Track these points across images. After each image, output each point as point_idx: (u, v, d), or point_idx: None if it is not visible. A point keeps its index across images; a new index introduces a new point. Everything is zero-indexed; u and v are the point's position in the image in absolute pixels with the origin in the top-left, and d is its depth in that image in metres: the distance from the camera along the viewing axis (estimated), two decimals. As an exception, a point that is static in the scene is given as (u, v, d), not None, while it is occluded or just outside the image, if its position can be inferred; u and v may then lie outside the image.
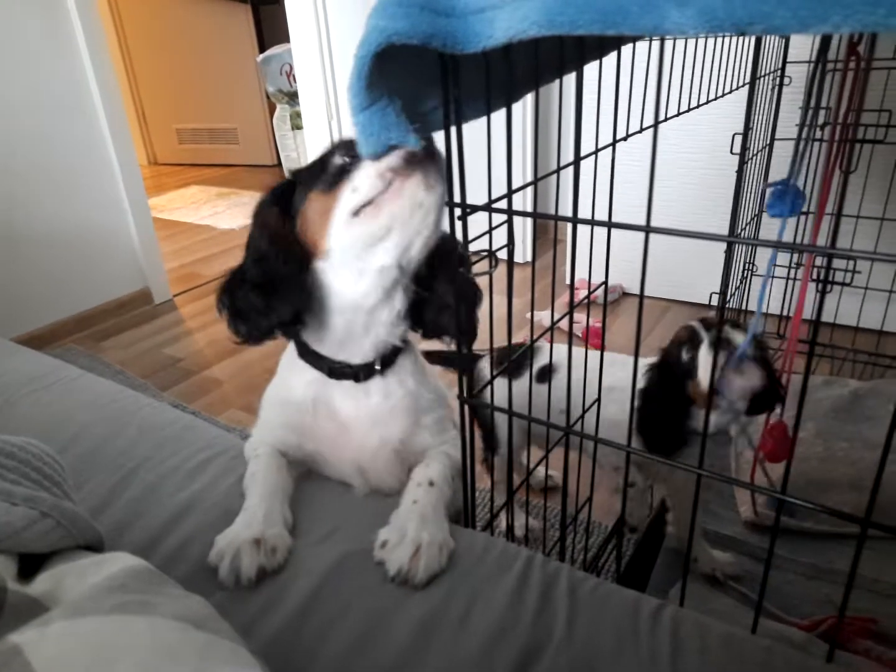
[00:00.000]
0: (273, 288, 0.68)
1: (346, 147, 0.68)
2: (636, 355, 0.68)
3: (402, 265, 0.68)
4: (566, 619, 0.57)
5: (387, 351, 0.75)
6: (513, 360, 0.76)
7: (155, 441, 0.83)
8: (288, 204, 0.71)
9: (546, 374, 0.94)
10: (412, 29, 0.47)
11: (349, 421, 0.76)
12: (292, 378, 0.78)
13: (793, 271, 1.77)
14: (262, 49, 4.38)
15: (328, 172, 0.68)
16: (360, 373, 0.74)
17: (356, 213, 0.65)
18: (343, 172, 0.67)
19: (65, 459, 0.76)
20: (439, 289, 0.73)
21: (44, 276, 2.30)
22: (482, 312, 0.75)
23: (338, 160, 0.68)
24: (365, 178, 0.64)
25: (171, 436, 0.84)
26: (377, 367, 0.75)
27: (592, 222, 0.62)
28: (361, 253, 0.67)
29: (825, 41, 0.82)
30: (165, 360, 2.19)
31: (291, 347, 0.78)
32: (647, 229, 0.54)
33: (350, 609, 0.60)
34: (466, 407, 0.73)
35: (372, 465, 0.77)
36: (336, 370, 0.74)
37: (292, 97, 3.54)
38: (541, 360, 1.06)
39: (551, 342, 0.79)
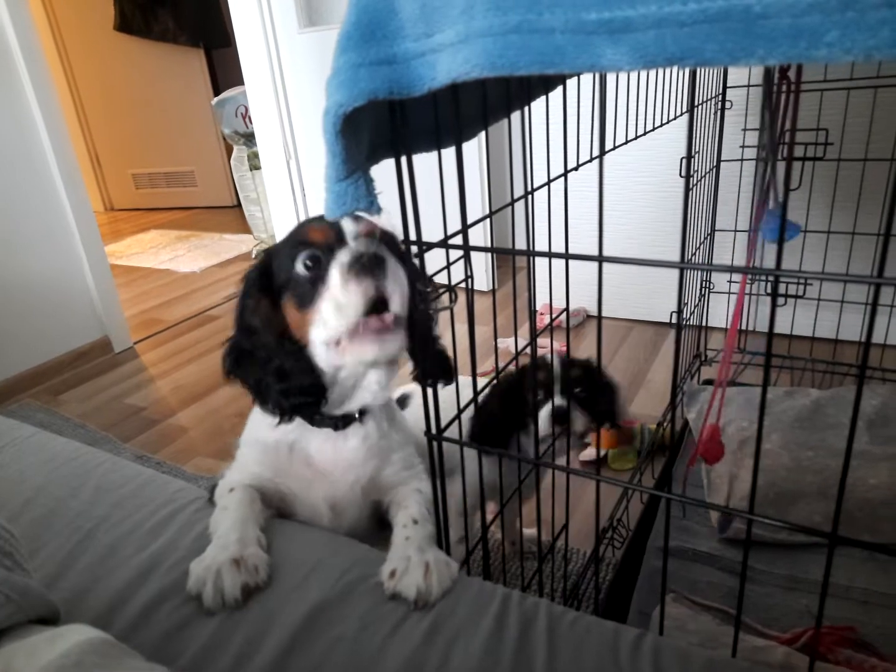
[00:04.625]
0: (289, 374, 0.70)
1: (316, 243, 0.69)
2: (599, 377, 0.69)
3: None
4: (546, 657, 0.56)
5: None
6: (478, 394, 0.75)
7: (113, 500, 0.80)
8: (272, 286, 0.73)
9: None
10: (358, 94, 0.49)
11: (325, 465, 0.77)
12: (269, 420, 0.77)
13: (747, 287, 1.82)
14: (216, 92, 4.39)
15: (299, 279, 0.69)
16: (340, 422, 0.76)
17: (329, 344, 0.69)
18: (313, 285, 0.68)
19: (18, 525, 0.73)
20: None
21: (-3, 331, 2.23)
22: (446, 344, 0.75)
23: (304, 267, 0.69)
24: (330, 323, 0.67)
25: (130, 493, 0.81)
26: (356, 416, 0.77)
27: (549, 255, 0.63)
28: (340, 360, 0.71)
29: (767, 67, 0.86)
30: (127, 410, 2.13)
31: None
32: (601, 259, 0.55)
33: (326, 663, 0.57)
34: (435, 444, 0.72)
35: (342, 502, 0.79)
36: (316, 419, 0.76)
37: (249, 138, 3.54)
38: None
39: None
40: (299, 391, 0.71)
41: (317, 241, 0.69)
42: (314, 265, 0.68)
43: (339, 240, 0.69)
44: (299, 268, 0.69)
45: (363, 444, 0.77)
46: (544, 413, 1.00)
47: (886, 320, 1.82)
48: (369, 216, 0.62)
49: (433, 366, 0.75)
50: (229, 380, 0.73)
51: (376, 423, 0.79)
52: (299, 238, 0.71)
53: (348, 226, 0.69)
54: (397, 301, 0.66)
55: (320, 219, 0.71)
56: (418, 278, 0.69)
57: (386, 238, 0.70)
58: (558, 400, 1.00)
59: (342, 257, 0.66)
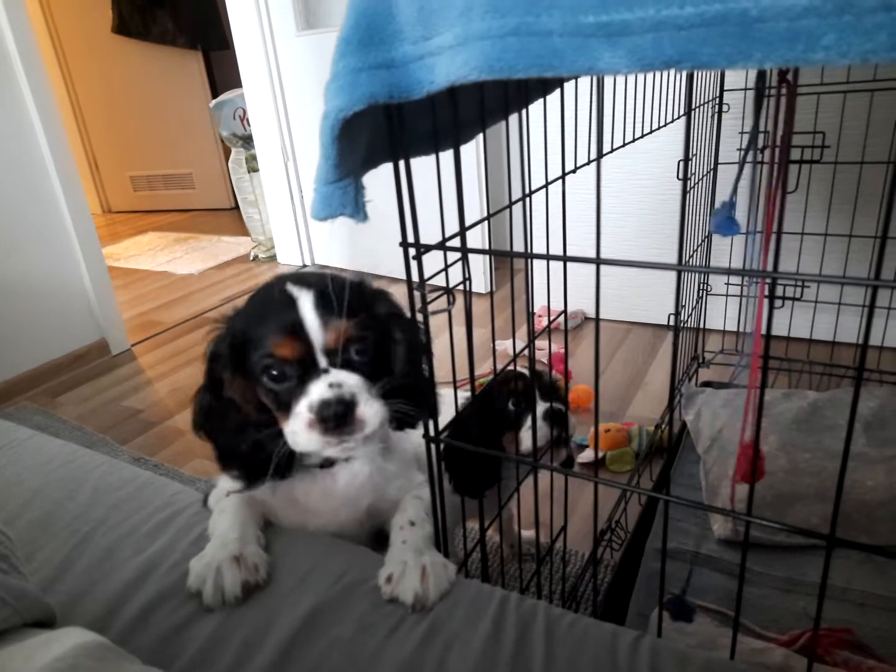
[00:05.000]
0: (263, 445, 0.67)
1: (285, 359, 0.64)
2: (596, 379, 0.69)
3: None
4: (544, 659, 0.56)
5: None
6: (477, 397, 0.75)
7: (111, 502, 0.80)
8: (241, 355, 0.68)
9: None
10: (358, 98, 0.49)
11: (314, 506, 0.76)
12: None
13: (745, 289, 1.82)
14: (214, 94, 4.39)
15: (266, 385, 0.66)
16: (326, 462, 0.74)
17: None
18: (279, 395, 0.65)
19: (15, 528, 0.73)
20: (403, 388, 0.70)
21: (-6, 333, 2.23)
22: (444, 347, 0.75)
23: (270, 380, 0.65)
24: (299, 435, 0.64)
25: (128, 496, 0.81)
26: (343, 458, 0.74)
27: (547, 257, 0.63)
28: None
29: (760, 69, 0.87)
30: (125, 413, 2.13)
31: None
32: (598, 261, 0.55)
33: (323, 665, 0.57)
34: (434, 446, 0.72)
35: (335, 532, 0.78)
36: (304, 458, 0.73)
37: (247, 140, 3.54)
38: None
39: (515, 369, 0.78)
40: (270, 460, 0.67)
41: (286, 357, 0.64)
42: (280, 379, 0.65)
43: (307, 354, 0.64)
44: (265, 379, 0.65)
45: (353, 480, 0.75)
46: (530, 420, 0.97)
47: (884, 322, 1.83)
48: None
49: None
50: (199, 435, 0.71)
51: (368, 458, 0.76)
52: (268, 348, 0.65)
53: (316, 335, 0.64)
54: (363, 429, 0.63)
55: (291, 328, 0.64)
56: (413, 332, 0.68)
57: (364, 313, 0.66)
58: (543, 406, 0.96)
59: (311, 396, 0.62)
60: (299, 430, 0.63)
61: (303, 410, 0.62)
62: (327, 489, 0.75)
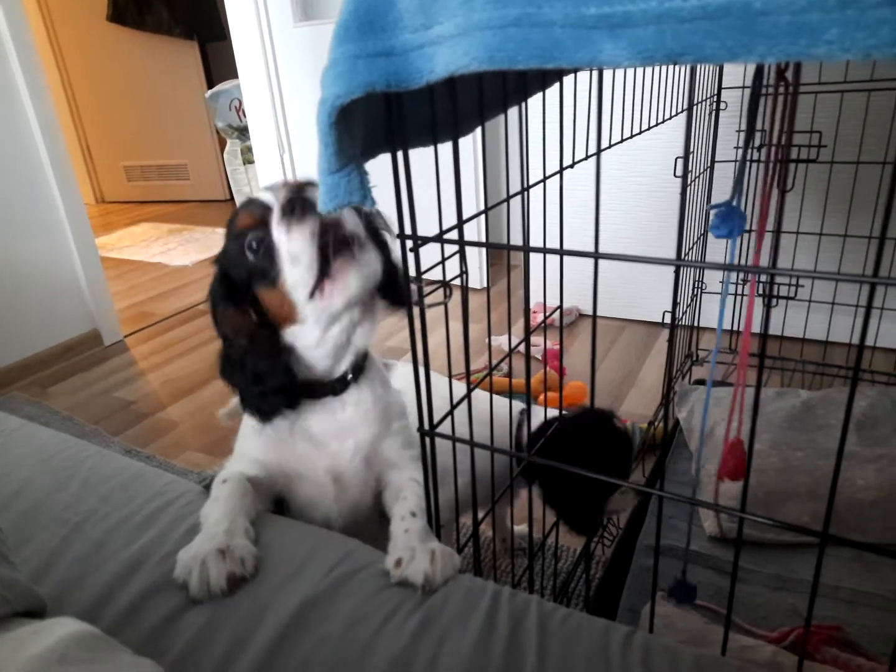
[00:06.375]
0: (262, 377, 0.73)
1: (250, 226, 0.71)
2: (592, 376, 0.69)
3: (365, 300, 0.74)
4: (536, 654, 0.56)
5: (358, 360, 0.79)
6: (472, 390, 0.75)
7: (102, 493, 0.79)
8: (236, 291, 0.74)
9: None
10: (356, 86, 0.49)
11: (324, 435, 0.79)
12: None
13: (740, 287, 1.83)
14: (210, 85, 4.37)
15: (257, 260, 0.70)
16: (337, 386, 0.78)
17: (311, 295, 0.69)
18: (268, 260, 0.69)
19: (4, 518, 0.73)
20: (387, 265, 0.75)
21: (-15, 322, 2.21)
22: (439, 341, 0.75)
23: (252, 252, 0.70)
24: (300, 276, 0.68)
25: (119, 486, 0.81)
26: (349, 377, 0.78)
27: (544, 250, 0.63)
28: (330, 317, 0.72)
29: (758, 67, 0.87)
30: (117, 404, 2.12)
31: None
32: (597, 256, 0.55)
33: (315, 658, 0.57)
34: (428, 439, 0.72)
35: (345, 473, 0.80)
36: (316, 390, 0.77)
37: (242, 132, 3.52)
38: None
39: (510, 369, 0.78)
40: (273, 392, 0.73)
41: (250, 224, 0.70)
42: (259, 244, 0.69)
43: (270, 212, 0.70)
44: (249, 256, 0.70)
45: (358, 408, 0.79)
46: None
47: (876, 323, 1.84)
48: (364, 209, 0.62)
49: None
50: (224, 381, 0.76)
51: (370, 386, 0.80)
52: (235, 231, 0.72)
53: (274, 196, 0.70)
54: (348, 223, 0.68)
55: (247, 204, 0.73)
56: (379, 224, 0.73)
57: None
58: None
59: (275, 217, 0.68)
60: (287, 251, 0.67)
61: (275, 231, 0.67)
62: (337, 416, 0.78)
